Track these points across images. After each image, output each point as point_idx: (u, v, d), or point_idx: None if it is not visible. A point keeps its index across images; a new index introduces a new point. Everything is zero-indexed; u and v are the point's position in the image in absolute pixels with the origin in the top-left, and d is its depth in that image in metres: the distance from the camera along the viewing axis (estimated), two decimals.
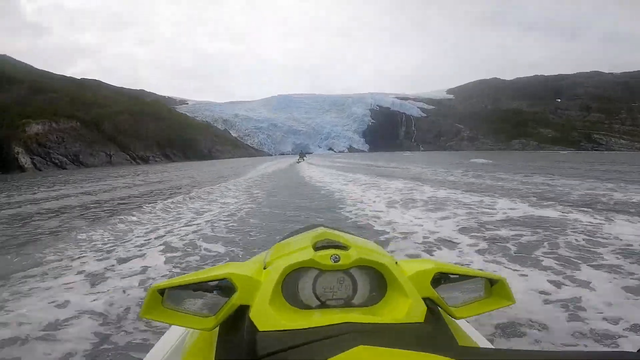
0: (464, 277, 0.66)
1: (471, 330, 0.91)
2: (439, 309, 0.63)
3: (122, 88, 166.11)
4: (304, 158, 41.84)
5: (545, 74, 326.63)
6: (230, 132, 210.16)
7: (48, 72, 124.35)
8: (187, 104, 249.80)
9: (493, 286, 0.66)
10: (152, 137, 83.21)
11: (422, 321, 0.55)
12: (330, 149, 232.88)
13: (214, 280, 0.59)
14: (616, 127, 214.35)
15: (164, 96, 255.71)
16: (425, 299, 0.60)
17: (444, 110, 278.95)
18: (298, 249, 0.64)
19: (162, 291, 0.58)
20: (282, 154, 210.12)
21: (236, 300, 0.57)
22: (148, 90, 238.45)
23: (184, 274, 0.61)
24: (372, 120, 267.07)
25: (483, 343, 0.86)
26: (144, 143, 77.76)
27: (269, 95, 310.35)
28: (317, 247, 0.62)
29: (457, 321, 0.71)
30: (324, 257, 0.59)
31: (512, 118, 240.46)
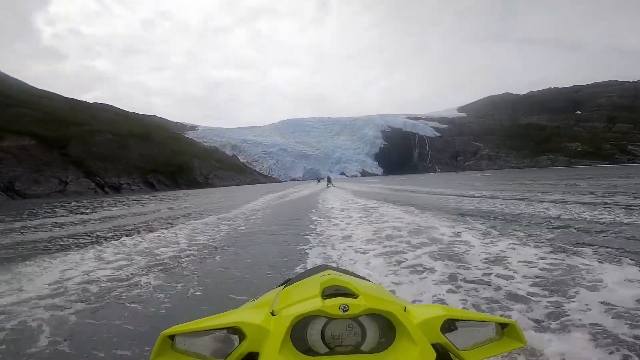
0: (475, 322, 0.64)
1: None
2: (451, 354, 0.61)
3: (133, 112, 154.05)
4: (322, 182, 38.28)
5: (559, 87, 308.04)
6: (239, 157, 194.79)
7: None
8: (197, 129, 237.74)
9: (504, 329, 0.65)
10: (136, 161, 66.70)
11: None
12: (342, 173, 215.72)
13: (224, 328, 0.58)
14: None
15: (175, 122, 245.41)
16: (435, 345, 0.59)
17: (458, 129, 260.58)
18: (306, 298, 0.62)
19: (172, 336, 0.58)
20: (293, 179, 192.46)
21: (245, 348, 0.57)
22: (159, 116, 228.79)
23: (195, 319, 0.61)
24: (384, 143, 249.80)
25: None
26: (121, 168, 60.66)
27: (277, 121, 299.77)
28: (325, 295, 0.61)
29: None
30: (333, 306, 0.58)
31: (534, 133, 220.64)
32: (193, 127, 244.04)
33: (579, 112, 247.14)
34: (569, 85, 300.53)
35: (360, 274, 1.01)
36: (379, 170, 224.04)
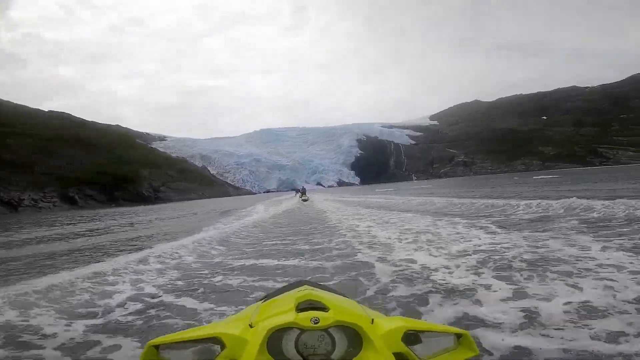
0: (433, 332, 0.68)
1: None
2: None
3: (92, 122, 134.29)
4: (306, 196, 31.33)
5: (524, 93, 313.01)
6: (209, 168, 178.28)
7: None
8: (166, 140, 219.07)
9: (460, 339, 0.69)
10: (58, 170, 51.10)
11: None
12: (318, 183, 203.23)
13: (205, 338, 0.62)
14: (619, 139, 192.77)
15: (142, 132, 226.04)
16: (397, 354, 0.63)
17: (433, 136, 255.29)
18: (282, 311, 0.67)
19: (157, 346, 0.62)
20: (268, 191, 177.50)
21: (224, 356, 0.61)
22: (124, 126, 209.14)
23: (181, 330, 0.67)
24: (360, 152, 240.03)
25: None
26: (31, 179, 45.54)
27: (251, 131, 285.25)
28: (299, 309, 0.65)
29: None
30: (305, 319, 0.62)
31: (507, 138, 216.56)
32: (162, 138, 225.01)
33: (544, 118, 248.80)
34: (534, 92, 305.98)
35: (336, 289, 1.07)
36: (356, 180, 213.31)
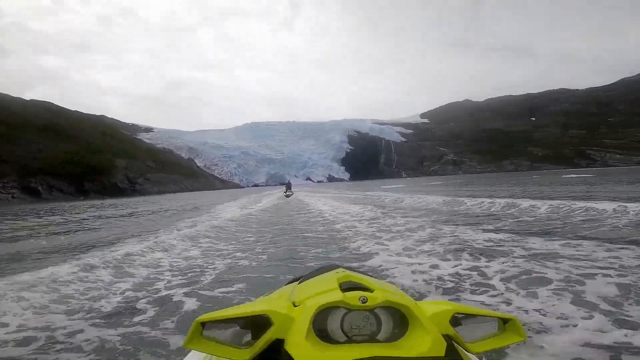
0: (479, 317, 0.67)
1: None
2: (457, 345, 0.64)
3: (76, 111, 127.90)
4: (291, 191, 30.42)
5: (514, 94, 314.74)
6: (196, 161, 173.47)
7: None
8: (153, 131, 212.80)
9: (506, 324, 0.68)
10: (22, 159, 46.88)
11: (443, 355, 0.58)
12: (308, 178, 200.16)
13: (253, 315, 0.60)
14: (606, 141, 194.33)
15: (128, 123, 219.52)
16: (444, 336, 0.62)
17: (423, 134, 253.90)
18: (326, 290, 0.66)
19: (203, 323, 0.60)
20: (256, 185, 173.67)
21: (272, 334, 0.59)
22: (110, 117, 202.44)
23: (226, 307, 0.64)
24: (351, 147, 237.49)
25: None
26: None
27: (241, 124, 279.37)
28: (343, 289, 0.64)
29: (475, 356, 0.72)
30: (353, 298, 0.61)
31: (496, 138, 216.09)
32: (148, 129, 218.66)
33: (533, 119, 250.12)
34: (524, 93, 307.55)
35: (372, 274, 1.05)
36: (346, 176, 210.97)
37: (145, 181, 68.27)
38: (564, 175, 36.77)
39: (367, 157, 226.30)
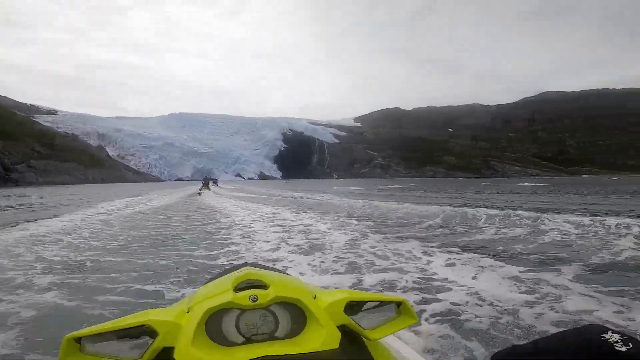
0: (374, 303, 0.67)
1: (404, 348, 0.95)
2: (357, 333, 0.64)
3: None
4: (212, 185, 29.07)
5: (437, 105, 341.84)
6: (107, 149, 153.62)
7: None
8: (57, 114, 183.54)
9: (400, 307, 0.68)
10: None
11: (337, 347, 0.58)
12: (238, 174, 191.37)
13: (134, 327, 0.57)
14: (507, 154, 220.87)
15: (25, 104, 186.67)
16: (342, 326, 0.62)
17: (356, 137, 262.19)
18: (219, 292, 0.63)
19: (78, 339, 0.55)
20: (179, 179, 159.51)
21: (159, 343, 0.56)
22: (3, 95, 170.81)
23: (102, 322, 0.60)
24: (285, 145, 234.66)
25: (413, 357, 0.89)
26: None
27: (169, 114, 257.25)
28: (237, 289, 0.62)
29: (386, 341, 0.71)
30: (243, 297, 0.59)
31: (419, 146, 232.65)
32: (51, 112, 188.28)
33: (450, 130, 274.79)
34: (445, 105, 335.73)
35: (280, 269, 1.01)
36: (278, 174, 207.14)
37: (28, 169, 56.39)
38: (519, 184, 37.78)
39: (300, 157, 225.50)
